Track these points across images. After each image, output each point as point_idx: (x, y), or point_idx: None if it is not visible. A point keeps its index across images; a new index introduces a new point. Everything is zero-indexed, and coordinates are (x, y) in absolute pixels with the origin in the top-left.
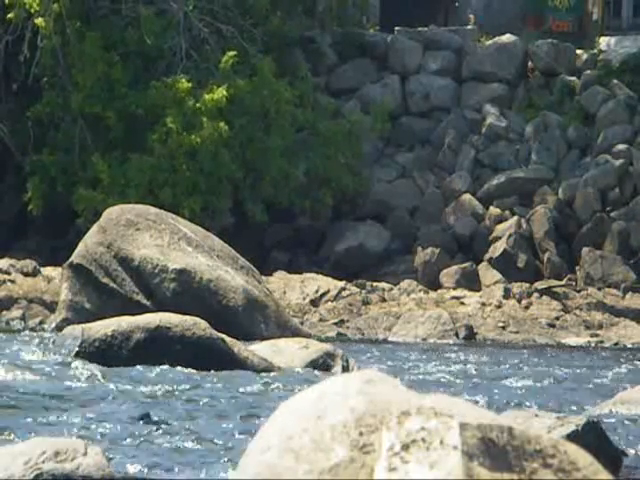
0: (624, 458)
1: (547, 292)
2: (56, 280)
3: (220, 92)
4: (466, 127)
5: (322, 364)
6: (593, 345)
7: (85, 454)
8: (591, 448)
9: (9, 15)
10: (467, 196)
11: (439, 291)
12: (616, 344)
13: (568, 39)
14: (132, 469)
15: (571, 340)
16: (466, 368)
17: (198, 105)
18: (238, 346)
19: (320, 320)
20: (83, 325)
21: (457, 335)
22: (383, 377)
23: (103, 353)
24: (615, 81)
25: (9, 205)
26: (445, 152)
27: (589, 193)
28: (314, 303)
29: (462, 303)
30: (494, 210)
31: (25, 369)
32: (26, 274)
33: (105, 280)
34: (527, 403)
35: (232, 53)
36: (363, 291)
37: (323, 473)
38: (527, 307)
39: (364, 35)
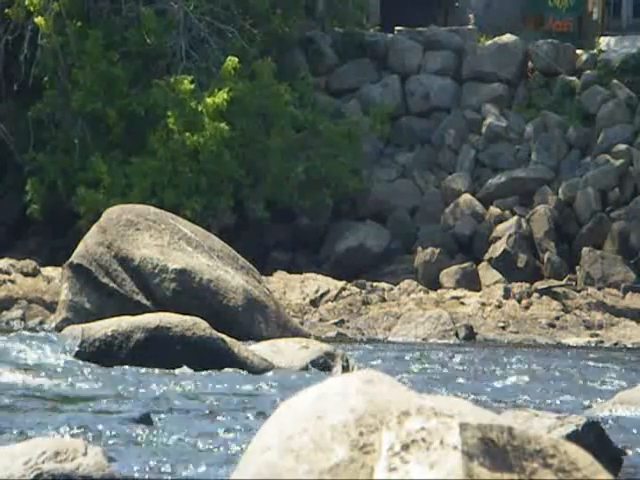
0: (624, 458)
1: (547, 292)
2: (56, 280)
3: (221, 96)
4: (466, 127)
5: (322, 364)
6: (593, 345)
7: (85, 454)
8: (591, 448)
9: (7, 10)
10: (467, 196)
11: (439, 291)
12: (616, 344)
13: (568, 39)
14: (132, 469)
15: (571, 340)
16: (466, 368)
17: (200, 108)
18: (238, 346)
19: (320, 320)
20: (83, 325)
21: (457, 335)
22: (383, 377)
23: (103, 353)
24: (615, 81)
25: (9, 205)
26: (445, 152)
27: (589, 193)
28: (314, 303)
29: (462, 303)
30: (494, 210)
31: (25, 369)
32: (26, 274)
33: (105, 280)
34: (527, 403)
35: (234, 59)
36: (363, 291)
37: (323, 473)
38: (527, 307)
39: (364, 35)
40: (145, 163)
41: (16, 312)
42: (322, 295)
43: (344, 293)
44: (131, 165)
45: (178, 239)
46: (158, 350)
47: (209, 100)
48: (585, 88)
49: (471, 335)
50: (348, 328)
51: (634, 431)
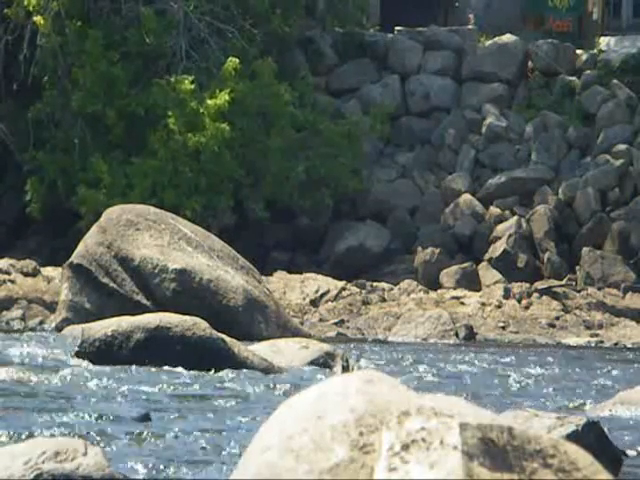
0: (624, 458)
1: (547, 292)
2: (56, 280)
3: (222, 97)
4: (466, 127)
5: (322, 364)
6: (593, 345)
7: (85, 454)
8: (591, 448)
9: (6, 10)
10: (467, 196)
11: (439, 291)
12: (616, 344)
13: (568, 39)
14: (132, 469)
15: (571, 340)
16: (466, 368)
17: (201, 110)
18: (238, 346)
19: (320, 320)
20: (83, 325)
21: (457, 335)
22: (383, 377)
23: (103, 353)
24: (615, 81)
25: (9, 205)
26: (445, 152)
27: (589, 193)
28: (314, 303)
29: (462, 303)
30: (494, 210)
31: (25, 369)
32: (26, 274)
33: (105, 280)
34: (527, 403)
35: (235, 60)
36: (363, 291)
37: (323, 473)
38: (527, 307)
39: (364, 35)
40: (145, 163)
41: (16, 312)
42: (322, 295)
43: (344, 293)
44: (131, 165)
45: (178, 239)
46: (158, 350)
47: (210, 102)
48: (585, 88)
49: (471, 335)
50: (348, 328)
51: (634, 431)
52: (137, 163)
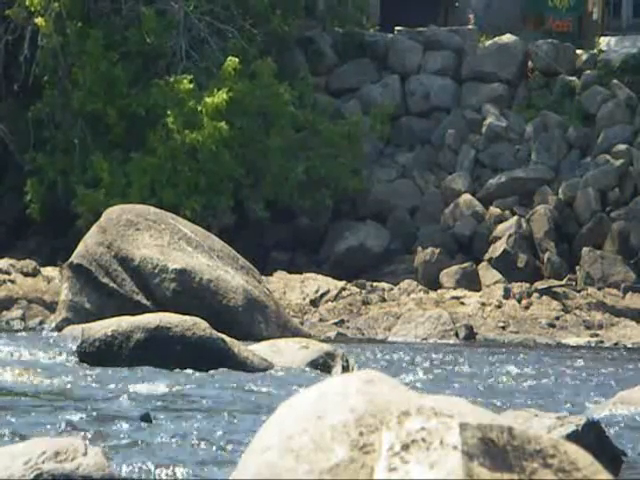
0: (624, 458)
1: (547, 292)
2: (56, 280)
3: (221, 96)
4: (466, 127)
5: (322, 364)
6: (593, 345)
7: (85, 454)
8: (591, 448)
9: (7, 12)
10: (467, 196)
11: (439, 291)
12: (616, 344)
13: (568, 39)
14: (132, 469)
15: (571, 340)
16: (466, 368)
17: (200, 108)
18: (238, 346)
19: (320, 320)
20: (83, 325)
21: (457, 335)
22: (383, 377)
23: (103, 353)
24: (615, 81)
25: (9, 206)
26: (445, 152)
27: (589, 193)
28: (314, 303)
29: (462, 303)
30: (494, 210)
31: (25, 369)
32: (26, 274)
33: (105, 280)
34: (527, 403)
35: (235, 60)
36: (363, 291)
37: (323, 473)
38: (527, 307)
39: (364, 35)
40: (144, 160)
41: (16, 312)
42: (322, 295)
43: (344, 293)
44: (130, 163)
45: (178, 239)
46: (158, 350)
47: (208, 100)
48: (585, 88)
49: (471, 335)
50: (348, 328)
51: (634, 431)
52: (135, 160)
